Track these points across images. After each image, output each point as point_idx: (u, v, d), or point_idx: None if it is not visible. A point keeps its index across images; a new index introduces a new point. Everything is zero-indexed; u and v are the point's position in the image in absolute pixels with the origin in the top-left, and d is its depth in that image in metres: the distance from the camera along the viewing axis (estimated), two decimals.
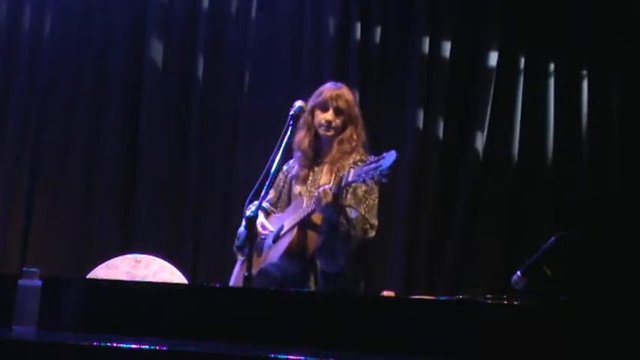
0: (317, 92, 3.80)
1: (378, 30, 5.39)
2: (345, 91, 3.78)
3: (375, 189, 3.60)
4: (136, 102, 5.40)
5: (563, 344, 2.60)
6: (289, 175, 3.81)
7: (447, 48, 5.35)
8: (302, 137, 3.75)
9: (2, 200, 5.28)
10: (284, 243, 3.55)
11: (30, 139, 5.36)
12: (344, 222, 3.49)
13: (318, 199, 3.43)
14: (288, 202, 3.74)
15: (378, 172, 3.22)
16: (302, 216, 3.52)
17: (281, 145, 3.59)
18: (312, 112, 3.74)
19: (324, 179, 3.69)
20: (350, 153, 3.70)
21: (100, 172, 5.34)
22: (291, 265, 3.55)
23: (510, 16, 5.34)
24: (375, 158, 3.29)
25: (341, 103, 3.73)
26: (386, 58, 5.37)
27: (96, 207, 5.30)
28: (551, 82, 5.32)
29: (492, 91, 5.31)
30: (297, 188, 3.74)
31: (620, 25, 5.23)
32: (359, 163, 3.51)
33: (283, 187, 3.82)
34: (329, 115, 3.72)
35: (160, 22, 5.44)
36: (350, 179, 3.37)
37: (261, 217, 3.66)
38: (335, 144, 3.72)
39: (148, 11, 5.44)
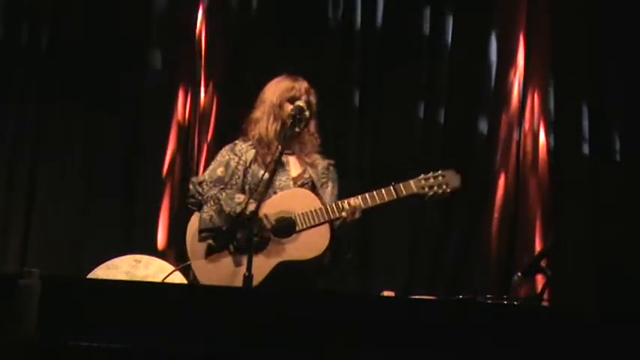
0: (284, 86, 3.88)
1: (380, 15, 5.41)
2: (310, 87, 3.89)
3: None
4: (136, 102, 5.40)
5: (563, 344, 2.60)
6: (243, 158, 3.85)
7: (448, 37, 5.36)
8: (268, 127, 3.82)
9: (2, 200, 5.28)
10: (320, 240, 3.65)
11: (30, 139, 5.36)
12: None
13: (352, 213, 3.64)
14: (242, 186, 3.79)
15: (442, 190, 3.65)
16: (326, 219, 3.66)
17: (281, 146, 3.64)
18: (280, 105, 3.82)
19: (296, 171, 3.83)
20: (314, 146, 3.87)
21: (100, 172, 5.35)
22: (324, 259, 3.70)
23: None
24: (433, 174, 3.67)
25: (312, 98, 3.86)
26: (388, 44, 5.38)
27: (96, 207, 5.30)
28: None
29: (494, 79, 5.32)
30: (262, 172, 3.77)
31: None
32: (330, 167, 3.85)
33: (236, 168, 3.84)
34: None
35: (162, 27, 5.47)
36: (415, 191, 3.66)
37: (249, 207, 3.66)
38: (306, 136, 3.85)
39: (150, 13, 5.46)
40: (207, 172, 3.89)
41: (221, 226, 3.71)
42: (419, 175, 3.73)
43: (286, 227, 3.66)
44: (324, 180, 3.85)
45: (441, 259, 5.19)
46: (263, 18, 5.45)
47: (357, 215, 3.67)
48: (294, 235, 3.66)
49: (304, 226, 3.65)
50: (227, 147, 3.93)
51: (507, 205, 5.20)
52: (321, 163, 3.88)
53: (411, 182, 3.67)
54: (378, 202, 3.67)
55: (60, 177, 5.35)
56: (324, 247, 3.64)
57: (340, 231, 3.72)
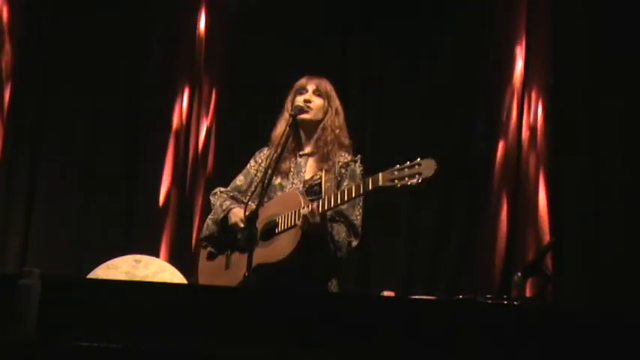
0: (295, 86, 3.81)
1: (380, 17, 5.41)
2: (326, 81, 3.80)
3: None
4: (136, 101, 5.41)
5: (563, 344, 2.60)
6: (263, 164, 3.78)
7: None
8: (279, 129, 3.76)
9: (2, 200, 5.28)
10: (286, 243, 3.52)
11: (29, 139, 5.36)
12: (330, 244, 3.54)
13: (305, 219, 3.44)
14: (262, 192, 3.63)
15: (416, 179, 3.27)
16: (295, 223, 3.51)
17: (281, 146, 3.62)
18: (291, 104, 3.76)
19: (310, 173, 3.71)
20: (334, 144, 3.69)
21: (100, 173, 5.35)
22: (295, 260, 3.52)
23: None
24: (409, 164, 3.32)
25: (321, 86, 3.76)
26: (388, 45, 5.39)
27: (96, 207, 5.30)
28: None
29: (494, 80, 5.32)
30: (276, 179, 3.70)
31: None
32: (351, 164, 3.66)
33: (256, 175, 3.79)
34: (307, 95, 3.73)
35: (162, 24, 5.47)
36: (381, 184, 3.34)
37: (240, 212, 3.61)
38: (322, 137, 3.70)
39: (149, 13, 5.47)
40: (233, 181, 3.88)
41: (213, 232, 3.76)
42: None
43: (269, 231, 3.61)
44: (340, 179, 3.66)
45: (440, 259, 5.19)
46: (263, 17, 5.45)
47: (314, 220, 3.44)
48: (272, 238, 3.59)
49: (281, 229, 3.56)
50: (255, 154, 3.88)
51: (507, 204, 5.21)
52: (342, 161, 3.69)
53: (380, 175, 3.36)
54: (347, 199, 3.43)
55: (60, 177, 5.35)
56: (289, 251, 3.49)
57: (309, 233, 3.53)
